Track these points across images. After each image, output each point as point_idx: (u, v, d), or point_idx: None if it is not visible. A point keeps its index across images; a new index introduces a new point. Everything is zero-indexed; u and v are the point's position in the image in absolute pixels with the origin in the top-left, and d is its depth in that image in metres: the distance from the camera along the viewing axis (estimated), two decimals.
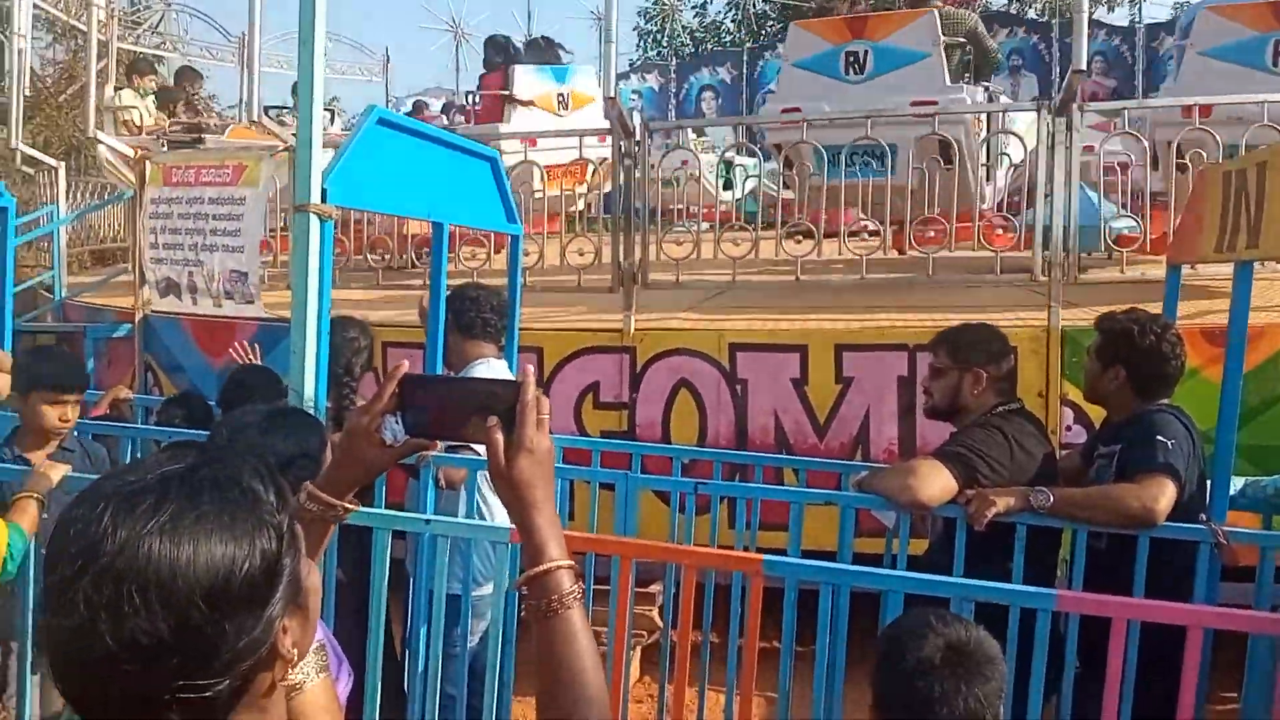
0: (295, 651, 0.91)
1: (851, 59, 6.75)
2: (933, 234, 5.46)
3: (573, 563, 1.19)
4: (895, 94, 6.24)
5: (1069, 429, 4.35)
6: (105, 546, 0.80)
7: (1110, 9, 22.07)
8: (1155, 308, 3.40)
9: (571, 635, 1.16)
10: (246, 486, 0.88)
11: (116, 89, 8.98)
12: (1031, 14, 20.66)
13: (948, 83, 6.59)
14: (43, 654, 0.85)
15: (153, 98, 9.11)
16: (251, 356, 4.58)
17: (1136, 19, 19.53)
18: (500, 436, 1.20)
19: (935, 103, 5.84)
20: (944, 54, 6.59)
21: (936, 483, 2.76)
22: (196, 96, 10.30)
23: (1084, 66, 4.45)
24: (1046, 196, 4.83)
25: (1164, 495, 2.66)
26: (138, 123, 8.60)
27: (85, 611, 0.78)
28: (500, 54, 9.14)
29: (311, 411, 2.38)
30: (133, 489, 0.84)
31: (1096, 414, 3.54)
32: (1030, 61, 15.16)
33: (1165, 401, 2.96)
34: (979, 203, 6.04)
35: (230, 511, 0.85)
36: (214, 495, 0.85)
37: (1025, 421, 2.98)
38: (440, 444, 2.66)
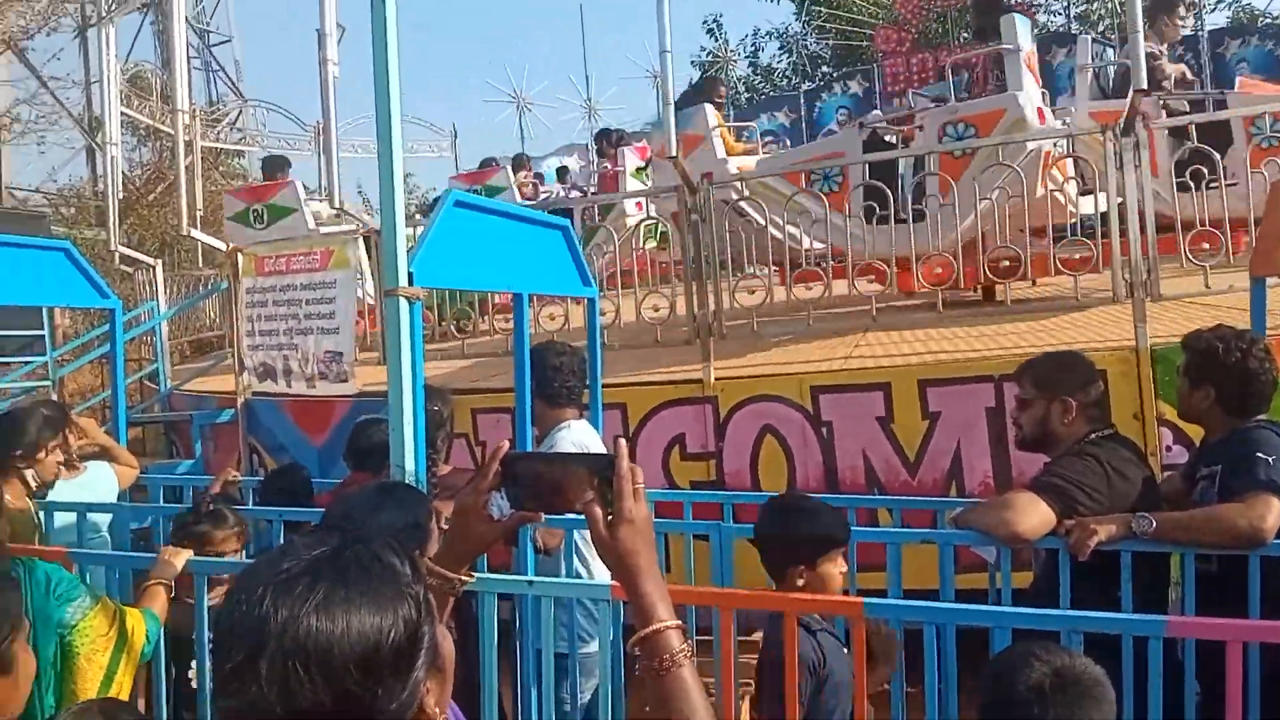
0: (439, 710, 0.98)
1: None
2: (1006, 264, 5.42)
3: (680, 623, 1.26)
4: None
5: (1169, 449, 4.24)
6: (270, 628, 0.89)
7: None
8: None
9: (684, 692, 1.22)
10: (386, 562, 0.98)
11: None
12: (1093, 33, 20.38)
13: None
14: None
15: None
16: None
17: (1199, 28, 19.17)
18: (599, 511, 1.28)
19: None
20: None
21: (1034, 515, 2.74)
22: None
23: (1144, 85, 4.42)
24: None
25: (1271, 512, 2.59)
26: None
27: (257, 690, 0.88)
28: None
29: (414, 484, 2.49)
30: (288, 574, 0.94)
31: (1196, 433, 3.46)
32: None
33: (1263, 417, 2.89)
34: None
35: (374, 586, 0.94)
36: (359, 573, 0.95)
37: (1120, 447, 2.94)
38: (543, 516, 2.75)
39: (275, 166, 10.25)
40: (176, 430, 7.62)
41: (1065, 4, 22.39)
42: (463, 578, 1.51)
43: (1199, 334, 3.03)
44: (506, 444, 1.43)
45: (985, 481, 4.42)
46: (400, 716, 0.92)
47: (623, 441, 1.37)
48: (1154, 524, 2.69)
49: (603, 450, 3.50)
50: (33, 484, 3.68)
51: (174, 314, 9.62)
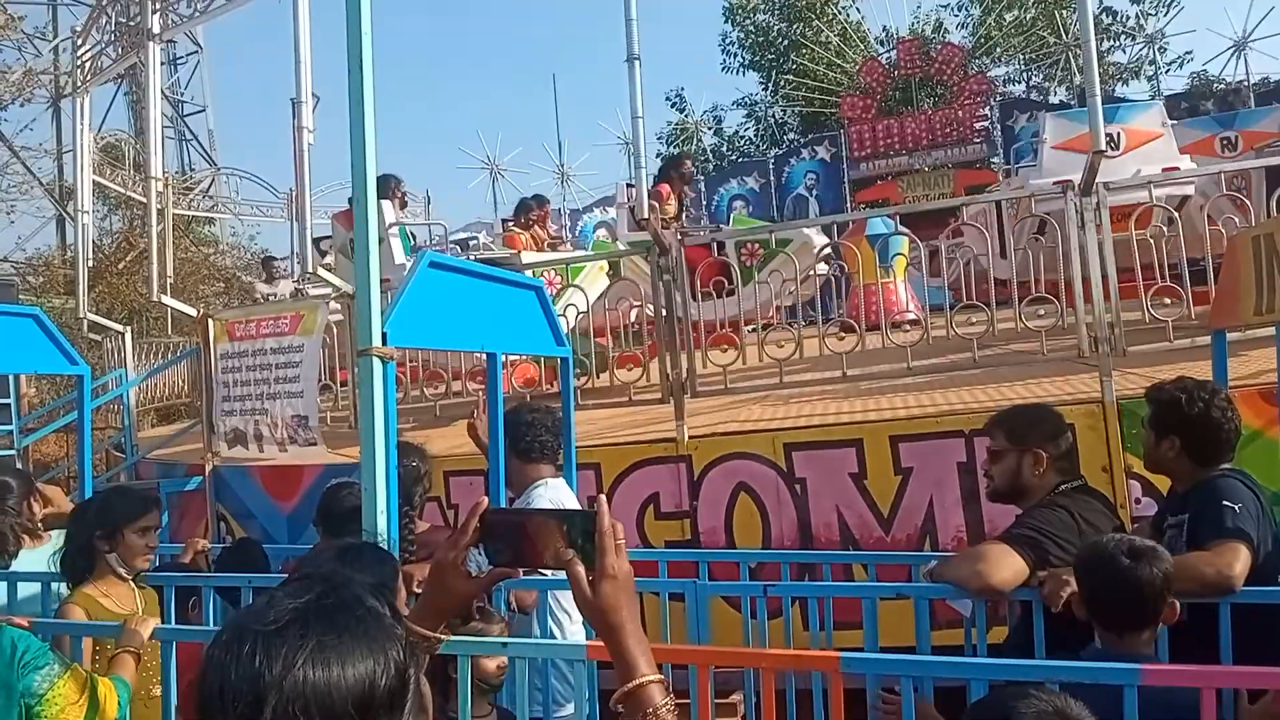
0: None
1: None
2: (973, 321, 5.51)
3: (662, 677, 1.26)
4: None
5: (1138, 502, 4.29)
6: (266, 680, 0.90)
7: (1126, 83, 22.43)
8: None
9: None
10: (370, 606, 0.99)
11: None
12: (1056, 99, 21.00)
13: None
14: None
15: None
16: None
17: (1155, 93, 19.82)
18: (580, 568, 1.28)
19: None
20: None
21: (1008, 567, 2.75)
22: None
23: (1103, 146, 4.55)
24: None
25: (1238, 560, 2.63)
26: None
27: None
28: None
29: (382, 545, 2.47)
30: (276, 625, 0.94)
31: (1163, 483, 3.50)
32: None
33: (1227, 466, 2.94)
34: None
35: (363, 630, 0.95)
36: (346, 619, 0.96)
37: (1090, 498, 2.97)
38: (521, 572, 2.73)
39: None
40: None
41: (1024, 73, 23.10)
42: (438, 636, 1.50)
43: (1162, 386, 3.09)
44: (485, 500, 1.44)
45: (958, 536, 4.44)
46: None
47: (603, 498, 1.38)
48: None
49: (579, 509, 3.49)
50: None
51: (143, 379, 9.54)
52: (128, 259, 17.49)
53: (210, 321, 6.31)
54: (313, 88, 5.86)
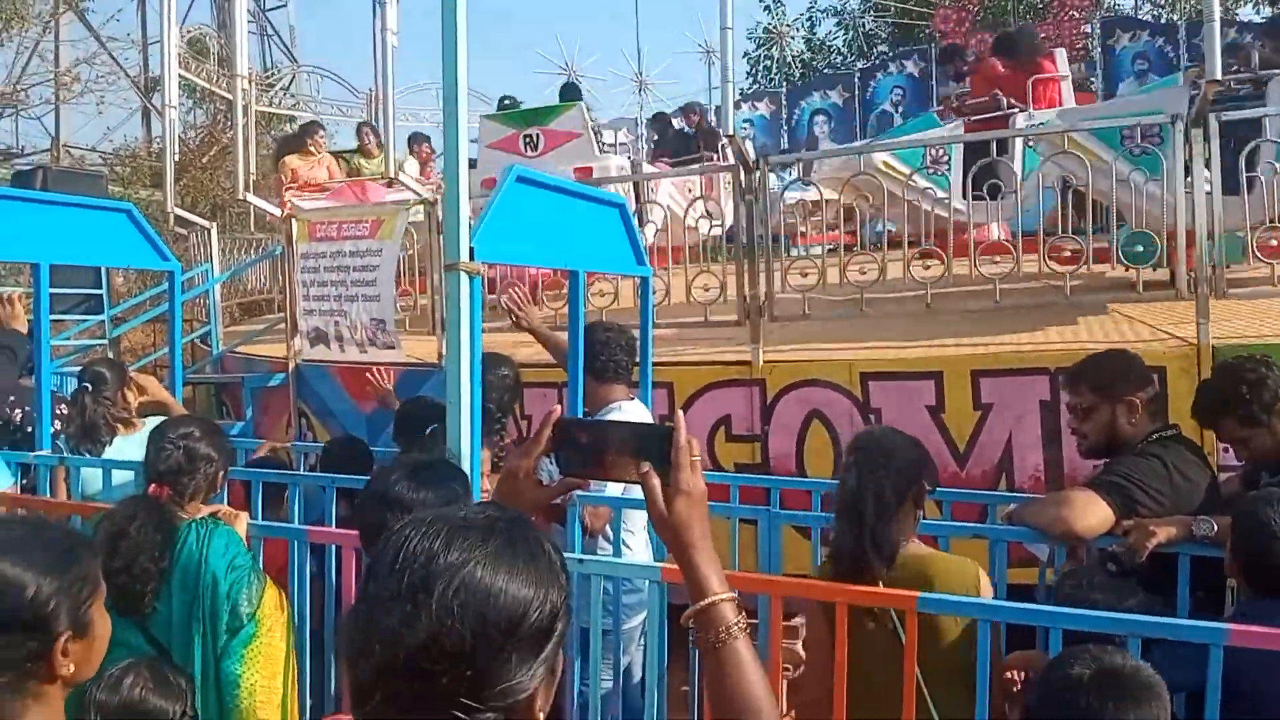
0: (540, 715, 0.99)
1: None
2: (1069, 253, 5.33)
3: (734, 595, 1.25)
4: None
5: (1225, 450, 4.15)
6: (440, 560, 0.94)
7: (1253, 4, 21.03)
8: None
9: (741, 664, 1.22)
10: (549, 550, 1.02)
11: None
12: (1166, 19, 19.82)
13: None
14: (348, 639, 0.97)
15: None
16: (387, 384, 4.89)
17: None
18: (656, 481, 1.27)
19: None
20: None
21: (1093, 514, 2.70)
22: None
23: (1219, 75, 4.28)
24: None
25: None
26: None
27: (411, 608, 0.92)
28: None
29: (454, 461, 2.51)
30: (464, 523, 0.99)
31: None
32: (1157, 65, 14.57)
33: None
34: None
35: (536, 564, 0.98)
36: (526, 548, 0.99)
37: (1184, 448, 2.89)
38: (592, 483, 2.76)
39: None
40: (227, 392, 7.75)
41: None
42: None
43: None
44: (559, 409, 1.43)
45: (1036, 475, 4.36)
46: (516, 695, 0.94)
47: (681, 414, 1.36)
48: (1215, 528, 2.63)
49: None
50: None
51: (229, 277, 9.75)
52: (211, 154, 17.75)
53: (293, 221, 6.39)
54: None
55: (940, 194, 5.95)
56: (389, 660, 0.92)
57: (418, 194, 6.16)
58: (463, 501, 1.05)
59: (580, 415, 3.62)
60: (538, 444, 1.39)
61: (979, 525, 3.25)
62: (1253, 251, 5.16)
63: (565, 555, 2.81)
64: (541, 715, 0.99)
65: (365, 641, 0.94)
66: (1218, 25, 4.48)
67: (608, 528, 3.52)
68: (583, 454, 1.39)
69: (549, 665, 0.97)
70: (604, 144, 8.92)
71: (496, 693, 0.92)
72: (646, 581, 2.93)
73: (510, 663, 0.93)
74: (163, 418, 4.25)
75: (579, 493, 3.31)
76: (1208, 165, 4.76)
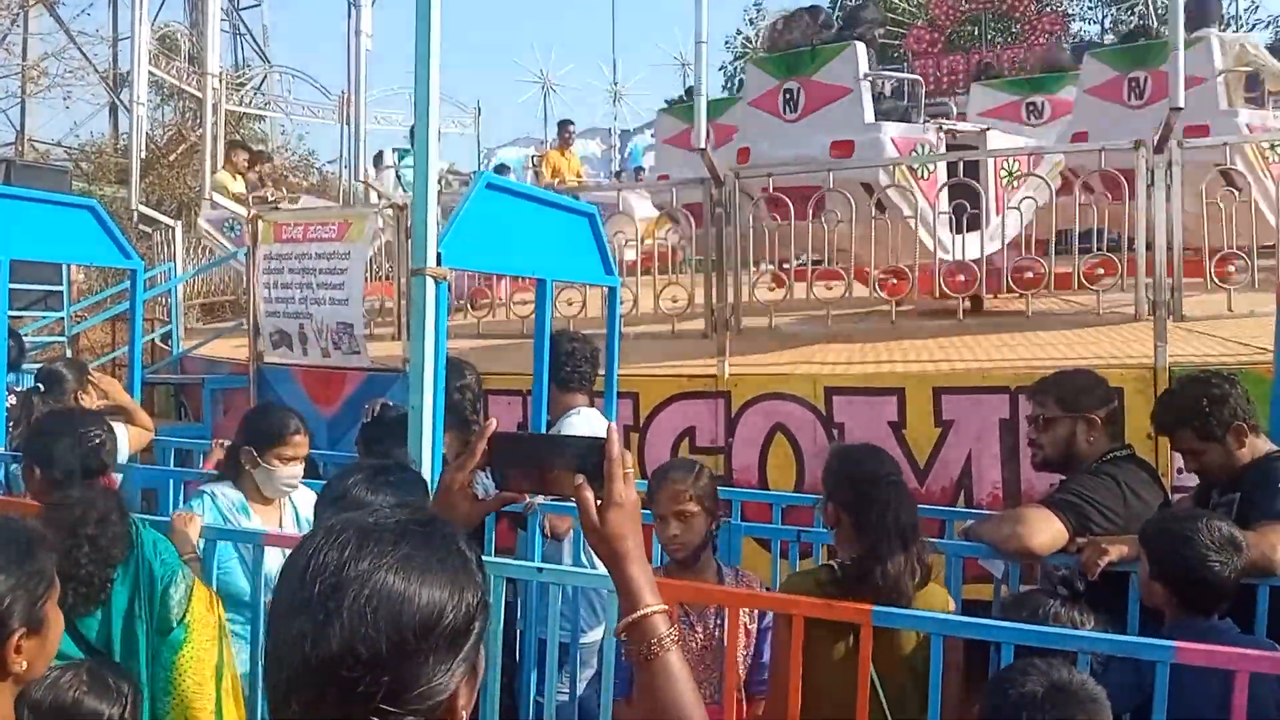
0: (464, 715, 0.98)
1: None
2: (1031, 275, 5.40)
3: (666, 607, 1.26)
4: None
5: (1180, 471, 4.22)
6: (350, 568, 0.93)
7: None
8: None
9: (671, 676, 1.22)
10: (462, 550, 1.01)
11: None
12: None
13: None
14: (265, 649, 0.97)
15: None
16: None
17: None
18: (589, 494, 1.28)
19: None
20: None
21: (1047, 531, 2.73)
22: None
23: (1181, 104, 4.37)
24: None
25: None
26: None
27: (323, 616, 0.91)
28: None
29: (413, 467, 2.49)
30: (374, 528, 0.98)
31: None
32: None
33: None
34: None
35: (450, 563, 0.98)
36: (439, 549, 0.99)
37: (1138, 468, 2.93)
38: (529, 497, 2.76)
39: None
40: (186, 393, 7.65)
41: (1101, 14, 22.19)
42: None
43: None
44: (494, 423, 1.43)
45: (994, 493, 4.41)
46: (435, 697, 0.94)
47: (613, 425, 1.37)
48: None
49: None
50: None
51: (192, 276, 9.63)
52: (179, 151, 17.56)
53: (259, 222, 6.33)
54: None
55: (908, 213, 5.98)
56: (304, 669, 0.92)
57: (386, 196, 6.13)
58: (421, 511, 1.04)
59: (544, 422, 3.62)
60: (472, 458, 1.40)
61: (937, 540, 3.27)
62: (1209, 277, 5.27)
63: (524, 564, 2.80)
64: (464, 714, 0.99)
65: (279, 651, 0.94)
66: (1181, 54, 4.58)
67: (567, 541, 3.51)
68: (518, 468, 1.39)
69: (469, 663, 0.98)
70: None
71: (415, 695, 0.92)
72: (607, 591, 2.92)
73: (428, 665, 0.93)
74: (119, 422, 4.21)
75: (540, 503, 3.32)
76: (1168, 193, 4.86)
